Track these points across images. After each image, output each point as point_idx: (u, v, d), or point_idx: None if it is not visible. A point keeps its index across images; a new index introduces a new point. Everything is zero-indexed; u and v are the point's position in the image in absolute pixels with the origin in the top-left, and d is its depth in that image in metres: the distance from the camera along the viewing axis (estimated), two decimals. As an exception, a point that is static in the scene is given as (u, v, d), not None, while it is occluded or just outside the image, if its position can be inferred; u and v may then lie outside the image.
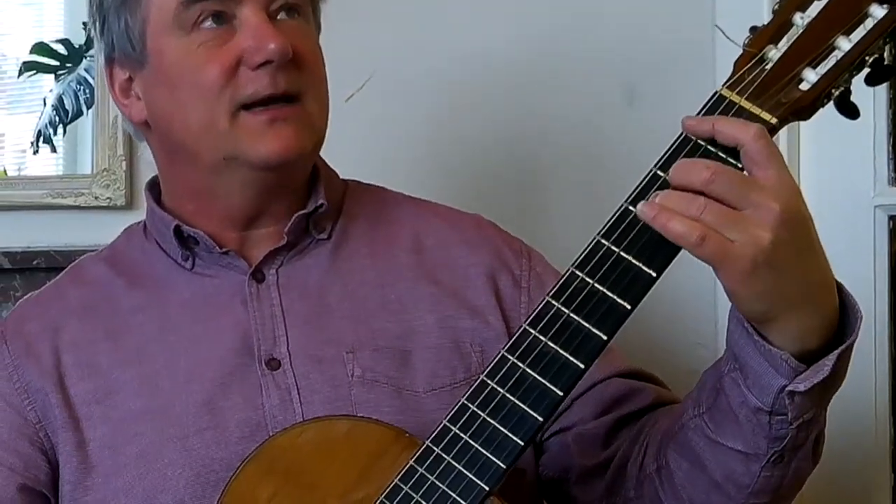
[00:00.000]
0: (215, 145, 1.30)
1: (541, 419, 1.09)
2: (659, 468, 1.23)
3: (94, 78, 1.86)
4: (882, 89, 1.76)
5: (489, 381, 1.11)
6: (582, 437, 1.34)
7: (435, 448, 1.11)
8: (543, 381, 1.09)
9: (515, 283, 1.39)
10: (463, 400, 1.12)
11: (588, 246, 1.10)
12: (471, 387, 1.12)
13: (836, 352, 1.08)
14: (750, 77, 1.08)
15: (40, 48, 1.88)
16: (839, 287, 1.11)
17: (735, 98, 1.08)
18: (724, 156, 1.07)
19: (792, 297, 1.06)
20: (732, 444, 1.15)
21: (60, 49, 1.88)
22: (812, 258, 1.08)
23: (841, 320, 1.10)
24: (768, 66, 1.08)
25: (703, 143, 1.08)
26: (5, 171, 1.90)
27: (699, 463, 1.18)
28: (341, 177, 1.45)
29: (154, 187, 1.42)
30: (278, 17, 1.30)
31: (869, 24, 1.07)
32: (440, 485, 1.10)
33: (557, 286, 1.10)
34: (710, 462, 1.18)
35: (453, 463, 1.10)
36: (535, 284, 1.38)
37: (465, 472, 1.10)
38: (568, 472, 1.35)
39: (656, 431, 1.27)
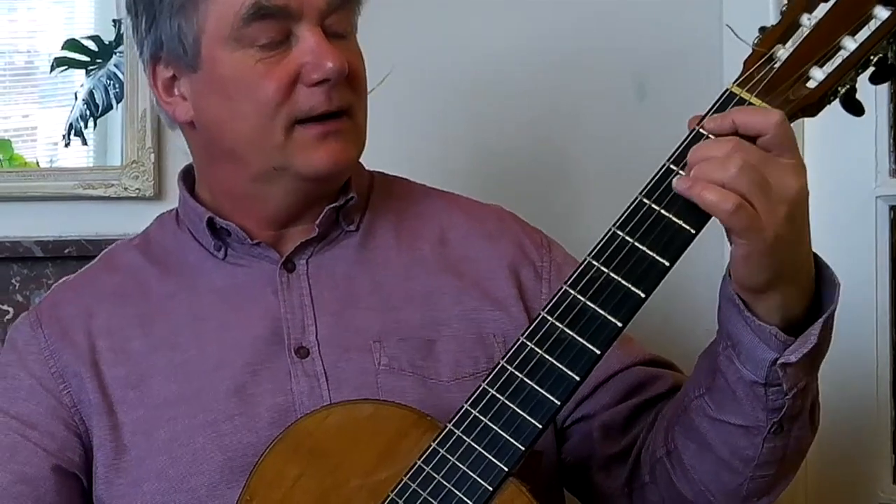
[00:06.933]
0: (267, 156, 1.31)
1: (558, 403, 1.11)
2: (668, 452, 1.26)
3: (123, 73, 1.88)
4: (883, 83, 1.78)
5: (508, 367, 1.13)
6: (605, 425, 1.35)
7: (456, 430, 1.14)
8: (561, 366, 1.12)
9: (537, 274, 1.40)
10: (483, 384, 1.14)
11: (604, 237, 1.12)
12: (491, 372, 1.14)
13: (820, 321, 1.11)
14: (759, 75, 1.11)
15: (72, 44, 1.91)
16: (816, 257, 1.14)
17: (745, 95, 1.11)
18: None
19: (788, 271, 1.10)
20: (734, 420, 1.18)
21: (91, 45, 1.91)
22: (806, 235, 1.12)
23: (818, 289, 1.14)
24: (777, 65, 1.11)
25: (713, 137, 1.10)
26: (38, 162, 1.93)
27: (705, 443, 1.21)
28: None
29: (187, 176, 1.42)
30: (331, 35, 1.30)
31: (874, 24, 1.10)
32: (461, 465, 1.13)
33: (574, 275, 1.13)
34: (714, 441, 1.20)
35: (473, 444, 1.13)
36: (555, 276, 1.39)
37: (484, 453, 1.12)
38: (590, 459, 1.36)
39: (663, 417, 1.29)
